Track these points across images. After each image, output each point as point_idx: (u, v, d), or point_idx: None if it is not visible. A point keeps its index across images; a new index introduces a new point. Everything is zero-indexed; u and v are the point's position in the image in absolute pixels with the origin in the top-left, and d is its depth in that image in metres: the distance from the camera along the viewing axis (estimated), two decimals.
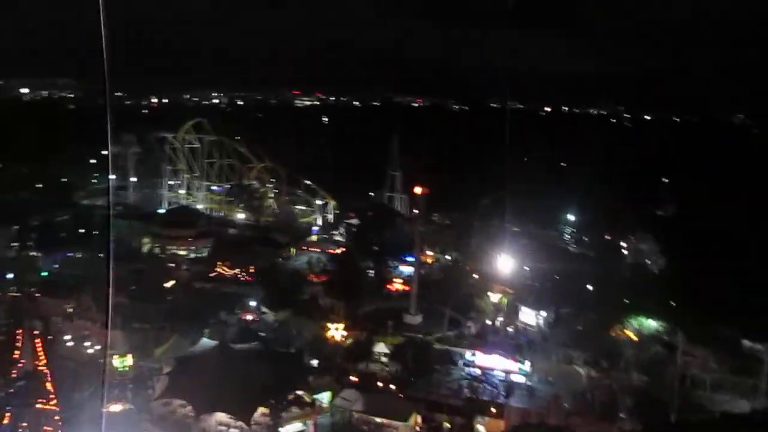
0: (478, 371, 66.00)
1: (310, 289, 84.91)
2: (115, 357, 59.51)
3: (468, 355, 68.56)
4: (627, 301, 74.76)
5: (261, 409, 54.19)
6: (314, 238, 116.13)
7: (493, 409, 58.73)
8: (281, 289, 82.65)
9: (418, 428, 57.12)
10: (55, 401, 52.06)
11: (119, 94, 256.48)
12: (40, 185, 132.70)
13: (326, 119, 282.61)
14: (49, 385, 54.08)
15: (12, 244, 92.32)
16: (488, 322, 78.40)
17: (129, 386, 57.70)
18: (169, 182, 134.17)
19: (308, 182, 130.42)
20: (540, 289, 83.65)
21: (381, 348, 68.72)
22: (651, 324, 70.68)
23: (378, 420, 56.21)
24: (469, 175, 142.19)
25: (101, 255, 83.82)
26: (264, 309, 77.80)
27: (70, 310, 70.11)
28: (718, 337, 66.71)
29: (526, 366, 65.54)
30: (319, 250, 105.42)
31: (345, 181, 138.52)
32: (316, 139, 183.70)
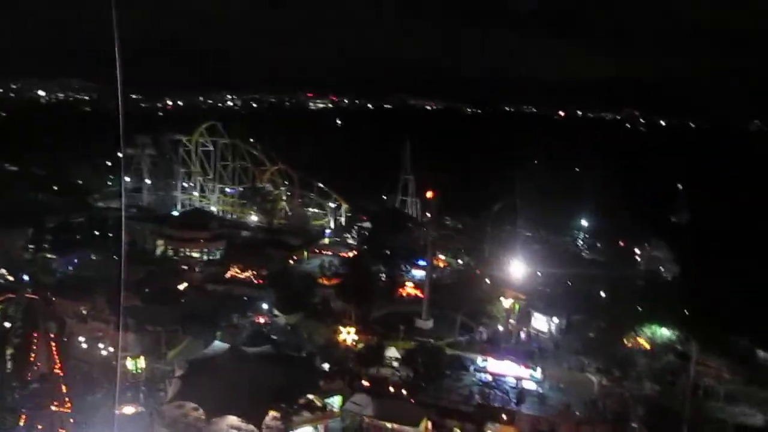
0: (490, 377, 65.64)
1: (322, 292, 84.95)
2: (128, 359, 59.97)
3: (479, 360, 68.26)
4: (640, 309, 74.12)
5: (272, 413, 54.27)
6: (326, 241, 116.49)
7: (503, 416, 58.30)
8: (293, 292, 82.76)
9: None
10: (69, 404, 52.44)
11: (134, 96, 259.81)
12: (56, 187, 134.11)
13: (340, 122, 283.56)
14: (63, 388, 54.43)
15: (28, 246, 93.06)
16: (500, 327, 78.00)
17: (141, 389, 58.01)
18: (183, 184, 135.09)
19: (321, 185, 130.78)
20: (552, 295, 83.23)
21: (392, 352, 68.60)
22: (664, 332, 69.96)
23: (389, 425, 56.08)
24: (482, 179, 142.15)
25: (115, 257, 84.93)
26: (276, 312, 78.01)
27: (85, 311, 70.55)
28: (733, 347, 66.08)
29: (538, 373, 65.15)
30: (331, 254, 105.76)
31: (358, 184, 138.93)
32: (329, 142, 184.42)
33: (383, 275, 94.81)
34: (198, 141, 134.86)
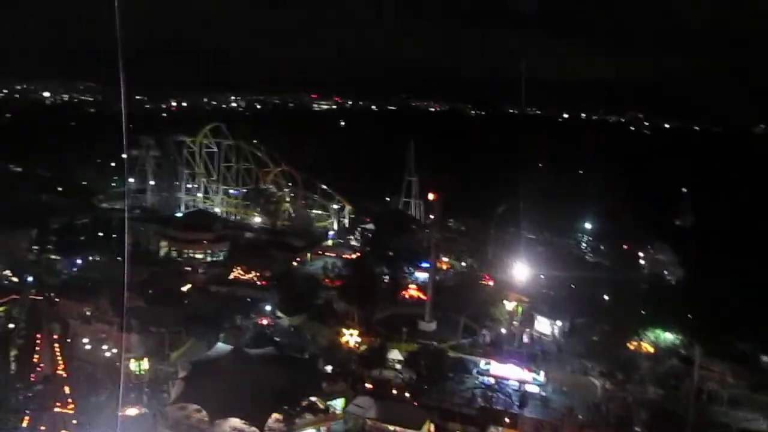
0: (492, 380, 65.56)
1: (325, 294, 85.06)
2: (131, 360, 60.11)
3: (482, 363, 68.21)
4: (644, 313, 73.93)
5: (275, 415, 54.35)
6: (330, 242, 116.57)
7: (506, 419, 58.36)
8: (296, 293, 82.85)
9: None
10: (72, 405, 52.58)
11: (138, 97, 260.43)
12: (60, 188, 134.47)
13: (343, 123, 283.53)
14: (66, 389, 54.58)
15: (32, 247, 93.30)
16: (503, 330, 77.92)
17: (145, 390, 58.11)
18: (187, 186, 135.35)
19: (324, 187, 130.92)
20: (555, 298, 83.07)
21: (395, 355, 68.62)
22: (668, 336, 69.79)
23: (391, 428, 56.19)
24: (485, 181, 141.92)
25: (119, 258, 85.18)
26: (279, 314, 78.09)
27: (88, 313, 70.76)
28: (737, 351, 65.85)
29: (541, 376, 65.08)
30: (334, 255, 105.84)
31: (361, 185, 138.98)
32: (332, 143, 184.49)
33: (386, 277, 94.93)
34: (202, 142, 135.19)
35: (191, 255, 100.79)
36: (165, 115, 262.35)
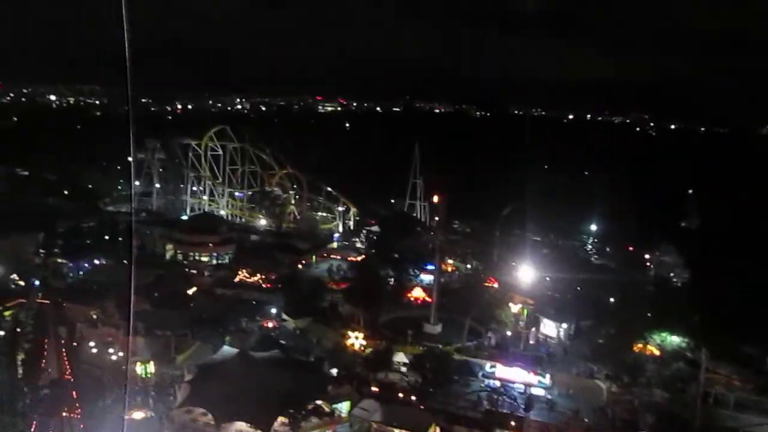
0: (498, 383, 65.44)
1: (331, 296, 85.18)
2: (137, 364, 60.29)
3: (488, 366, 68.11)
4: (650, 315, 73.72)
5: (280, 419, 54.44)
6: (335, 245, 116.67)
7: (512, 423, 58.15)
8: (302, 296, 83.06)
9: None
10: (79, 409, 52.74)
11: (144, 100, 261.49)
12: (67, 192, 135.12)
13: (348, 125, 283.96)
14: (73, 393, 54.74)
15: (39, 251, 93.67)
16: (508, 333, 77.79)
17: (151, 393, 58.25)
18: (192, 188, 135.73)
19: (329, 189, 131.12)
20: (561, 301, 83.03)
21: (400, 357, 68.54)
22: (674, 339, 69.53)
23: (396, 431, 56.13)
24: (491, 183, 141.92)
25: (125, 261, 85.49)
26: (284, 316, 78.19)
27: (95, 316, 71.02)
28: (743, 355, 65.58)
29: (547, 379, 64.95)
30: (339, 258, 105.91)
31: (366, 187, 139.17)
32: (337, 145, 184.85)
33: (392, 279, 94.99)
34: (207, 145, 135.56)
35: (197, 258, 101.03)
36: (170, 117, 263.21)
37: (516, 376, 65.38)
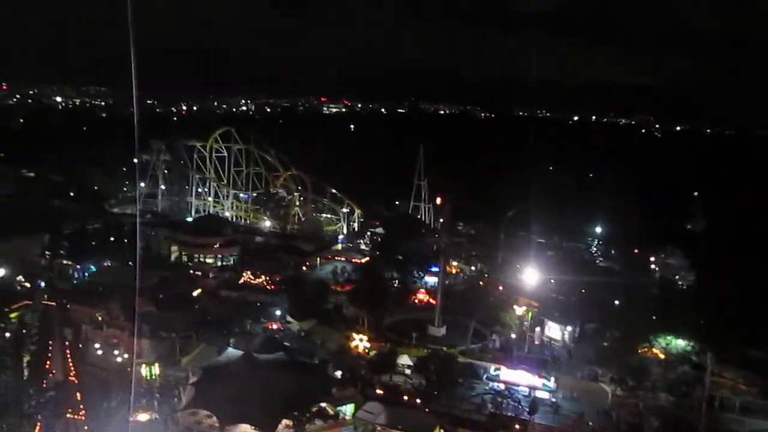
0: (502, 386, 65.29)
1: (335, 298, 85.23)
2: (142, 366, 60.41)
3: (492, 369, 67.96)
4: (655, 318, 73.46)
5: (285, 421, 54.47)
6: (339, 247, 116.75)
7: (516, 426, 58.07)
8: (306, 298, 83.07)
9: None
10: (84, 411, 52.88)
11: (149, 101, 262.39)
12: (72, 193, 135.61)
13: (353, 127, 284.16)
14: (78, 395, 54.89)
15: (44, 252, 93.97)
16: (513, 335, 77.68)
17: (156, 395, 58.35)
18: (197, 190, 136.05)
19: (334, 190, 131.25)
20: (566, 303, 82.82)
21: (405, 360, 68.48)
22: (679, 342, 69.22)
23: None
24: (495, 184, 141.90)
25: (131, 263, 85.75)
26: (289, 318, 78.26)
27: (100, 318, 71.23)
28: (749, 358, 65.24)
29: (551, 382, 64.82)
30: (344, 259, 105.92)
31: (371, 189, 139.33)
32: (342, 147, 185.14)
33: (396, 282, 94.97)
34: (212, 147, 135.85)
35: (202, 259, 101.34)
36: (175, 119, 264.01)
37: (520, 378, 65.24)
